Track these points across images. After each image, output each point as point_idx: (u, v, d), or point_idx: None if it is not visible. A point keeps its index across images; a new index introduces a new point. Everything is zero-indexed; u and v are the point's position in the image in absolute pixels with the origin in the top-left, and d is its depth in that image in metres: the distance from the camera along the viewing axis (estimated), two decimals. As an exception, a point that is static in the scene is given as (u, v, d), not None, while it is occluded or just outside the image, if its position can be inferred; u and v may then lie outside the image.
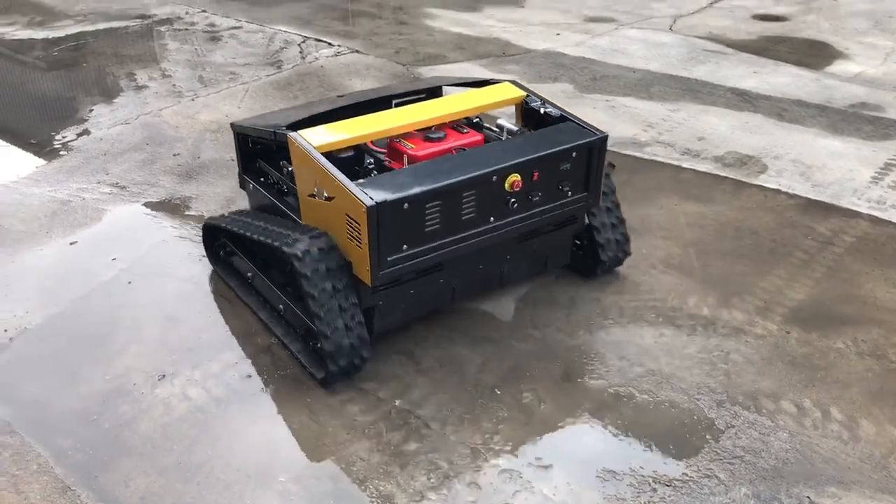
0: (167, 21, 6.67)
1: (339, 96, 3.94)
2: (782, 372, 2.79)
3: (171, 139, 4.56)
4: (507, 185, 2.75)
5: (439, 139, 2.93)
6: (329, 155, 2.78)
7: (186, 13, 6.88)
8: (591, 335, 2.98)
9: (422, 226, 2.64)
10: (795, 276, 3.32)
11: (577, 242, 3.26)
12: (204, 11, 6.92)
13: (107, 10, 6.96)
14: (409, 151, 2.87)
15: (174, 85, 5.29)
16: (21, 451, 2.47)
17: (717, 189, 4.01)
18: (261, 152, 3.38)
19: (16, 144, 4.54)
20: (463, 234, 2.74)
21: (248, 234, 2.96)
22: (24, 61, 5.81)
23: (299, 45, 6.06)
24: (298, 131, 2.86)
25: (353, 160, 2.89)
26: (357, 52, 5.91)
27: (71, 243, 3.58)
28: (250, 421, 2.58)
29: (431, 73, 5.46)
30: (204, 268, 3.38)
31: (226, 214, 3.30)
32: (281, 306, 2.99)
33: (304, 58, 5.81)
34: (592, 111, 4.86)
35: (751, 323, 3.04)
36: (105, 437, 2.52)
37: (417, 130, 2.98)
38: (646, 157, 4.33)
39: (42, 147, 4.49)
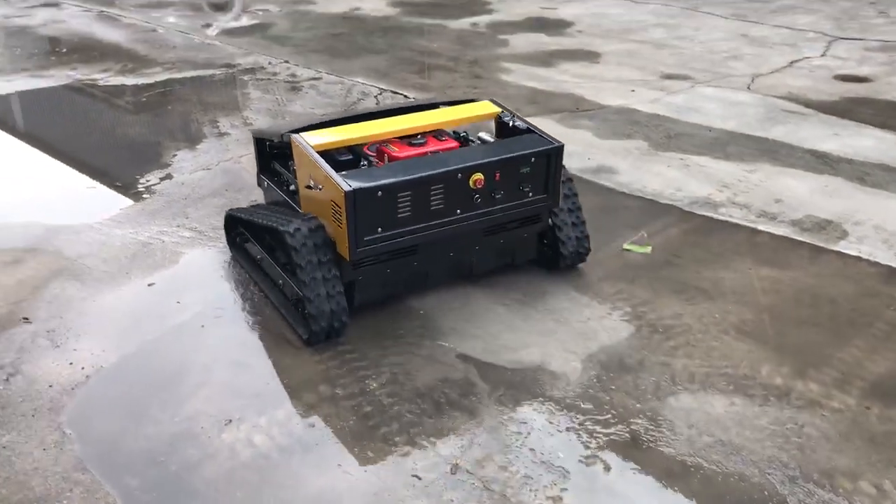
0: (250, 70, 6.91)
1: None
2: (861, 450, 2.67)
3: (249, 186, 4.68)
4: (471, 183, 3.28)
5: (420, 144, 3.48)
6: (328, 156, 3.32)
7: (269, 63, 7.12)
8: (660, 401, 2.91)
9: (394, 212, 3.19)
10: (876, 349, 3.19)
11: (545, 241, 3.74)
12: (286, 62, 7.15)
13: (194, 58, 7.26)
14: (391, 153, 3.42)
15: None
16: (91, 489, 2.53)
17: (793, 254, 3.91)
18: (275, 155, 3.97)
19: (103, 185, 4.73)
20: (432, 223, 3.28)
21: (257, 220, 3.57)
22: (115, 106, 6.09)
23: (376, 96, 6.20)
24: (300, 133, 3.43)
25: (351, 163, 3.40)
26: (432, 104, 6.01)
27: (149, 285, 3.70)
28: (312, 471, 2.60)
29: (504, 126, 5.50)
30: (274, 314, 3.45)
31: (243, 207, 3.93)
32: (280, 281, 3.52)
33: (379, 109, 5.93)
34: (666, 169, 4.82)
35: (827, 396, 2.93)
36: (171, 480, 2.56)
37: (404, 137, 3.53)
38: (720, 217, 4.26)
39: (127, 189, 4.67)
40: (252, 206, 4.00)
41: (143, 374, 3.10)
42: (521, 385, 3.00)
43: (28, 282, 3.70)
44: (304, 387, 2.99)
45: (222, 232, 4.11)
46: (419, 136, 3.52)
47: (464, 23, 8.43)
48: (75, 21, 8.66)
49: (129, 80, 6.62)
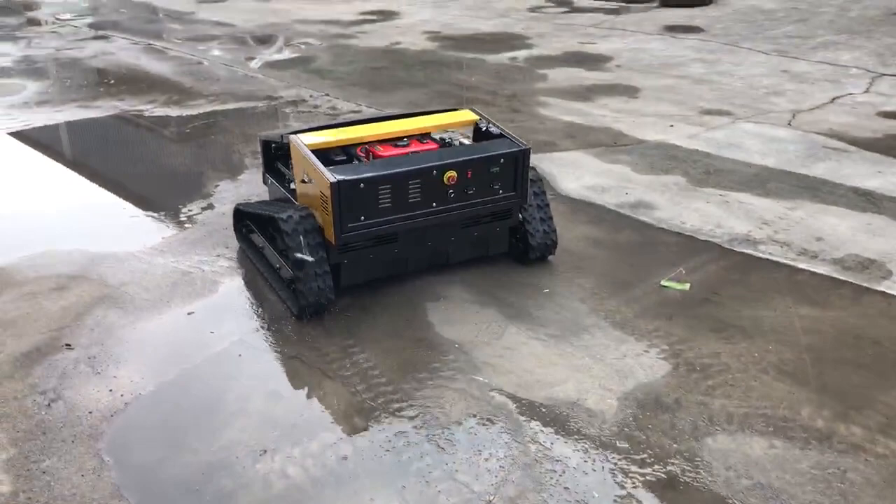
0: (292, 103, 7.03)
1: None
2: (906, 497, 2.60)
3: (287, 216, 4.74)
4: (445, 179, 3.68)
5: (403, 146, 3.90)
6: (323, 156, 3.72)
7: (311, 96, 7.24)
8: (698, 441, 2.86)
9: (376, 203, 3.60)
10: (922, 393, 3.11)
11: (517, 236, 4.11)
12: (327, 95, 7.27)
13: (237, 90, 7.41)
14: (377, 153, 3.83)
15: (294, 164, 5.53)
16: (126, 517, 2.55)
17: (835, 293, 3.84)
18: (278, 156, 4.44)
19: (147, 214, 4.83)
20: (410, 213, 3.68)
21: (258, 212, 4.07)
22: (160, 136, 6.23)
23: (414, 128, 6.25)
24: (297, 135, 3.87)
25: (343, 162, 3.79)
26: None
27: (188, 313, 3.75)
28: (345, 504, 2.59)
29: (542, 160, 5.52)
30: (310, 346, 3.47)
31: (249, 202, 4.39)
32: (277, 265, 3.94)
33: (418, 141, 5.98)
34: (706, 205, 4.78)
35: (871, 440, 2.85)
36: (205, 509, 2.57)
37: (391, 140, 3.94)
38: (760, 255, 4.21)
39: (169, 218, 4.76)
40: (257, 202, 4.43)
41: (180, 403, 3.13)
42: (555, 421, 2.97)
43: (71, 308, 3.77)
44: (339, 419, 3.00)
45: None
46: (404, 139, 3.96)
47: (502, 57, 8.50)
48: (124, 53, 8.90)
49: (174, 112, 6.77)
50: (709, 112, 6.52)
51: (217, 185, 5.20)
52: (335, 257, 3.70)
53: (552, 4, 11.59)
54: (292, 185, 4.10)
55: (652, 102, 6.82)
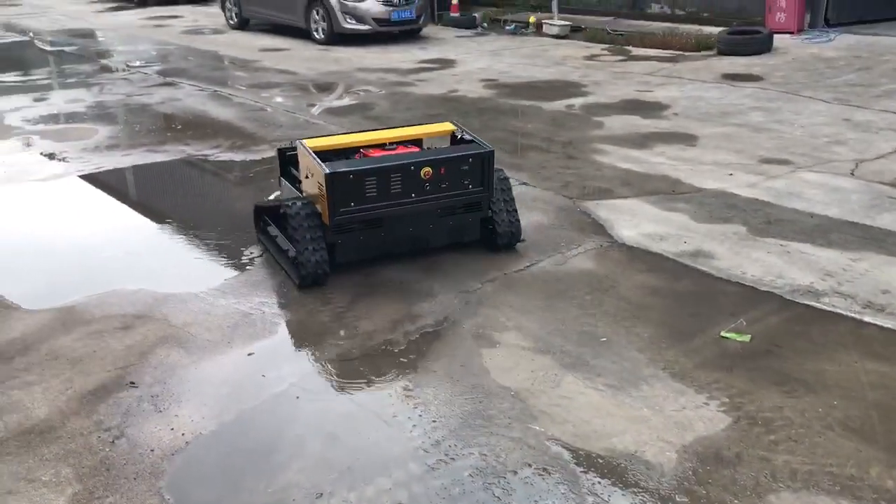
0: (351, 148, 7.16)
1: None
2: (983, 565, 2.48)
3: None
4: (422, 174, 4.40)
5: (391, 149, 4.74)
6: (325, 158, 4.44)
7: (369, 141, 7.36)
8: (760, 498, 2.79)
9: (363, 192, 4.33)
10: None
11: (489, 227, 4.76)
12: (385, 140, 7.38)
13: (299, 136, 7.58)
14: (368, 153, 4.69)
15: (353, 208, 5.62)
16: (185, 555, 2.58)
17: (903, 348, 3.73)
18: (291, 161, 5.07)
19: (209, 256, 4.95)
20: (392, 202, 4.40)
21: (271, 206, 4.92)
22: (224, 180, 6.40)
23: (471, 175, 6.31)
24: (304, 140, 4.73)
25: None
26: (525, 184, 6.08)
27: (248, 354, 3.82)
28: (400, 551, 2.59)
29: (599, 207, 5.52)
30: (367, 389, 3.50)
31: (266, 201, 5.23)
32: (286, 248, 4.64)
33: (474, 187, 6.03)
34: (766, 255, 4.71)
35: (944, 503, 2.75)
36: (262, 551, 2.59)
37: (382, 145, 4.80)
38: (823, 307, 4.12)
39: (231, 260, 4.87)
40: (272, 200, 5.24)
41: (239, 443, 3.18)
42: (613, 473, 2.93)
43: (136, 347, 3.87)
44: (395, 464, 3.01)
45: (322, 304, 4.24)
46: (392, 144, 4.81)
47: (559, 105, 8.56)
48: (191, 99, 9.21)
49: (238, 157, 6.95)
50: (768, 161, 6.45)
51: (278, 229, 5.30)
52: (331, 238, 4.43)
53: (608, 52, 11.66)
54: (299, 183, 4.83)
55: (710, 150, 6.78)
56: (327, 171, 4.24)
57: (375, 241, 4.59)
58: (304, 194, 4.69)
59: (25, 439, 3.19)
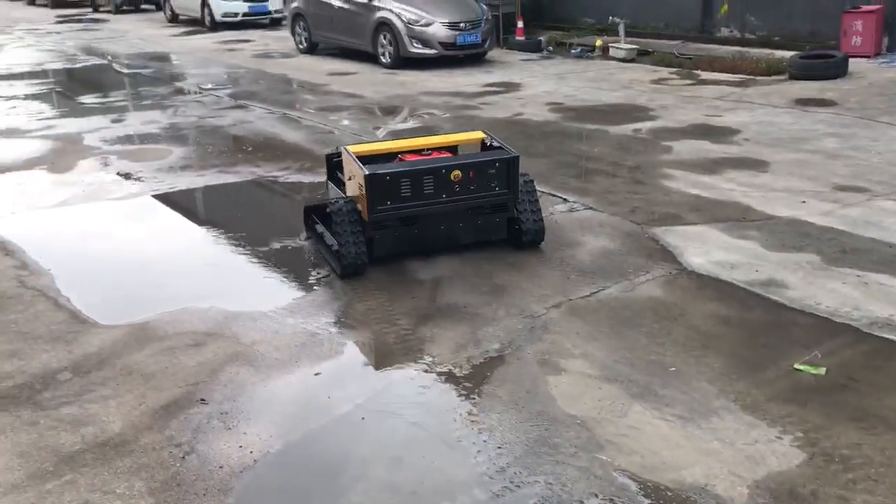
0: (417, 171, 7.22)
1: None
2: None
3: (411, 281, 4.85)
4: (451, 177, 4.85)
5: (426, 154, 5.21)
6: (367, 163, 4.90)
7: (435, 164, 7.41)
8: (837, 539, 2.69)
9: (398, 192, 4.80)
10: None
11: (516, 227, 5.16)
12: (450, 163, 7.42)
13: (366, 158, 7.68)
14: (404, 158, 5.16)
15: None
16: (252, 574, 2.61)
17: None
18: (337, 166, 5.55)
19: (278, 276, 5.04)
20: (425, 201, 4.87)
21: (318, 205, 5.52)
22: (293, 201, 6.51)
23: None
24: (349, 146, 5.25)
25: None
26: (591, 209, 6.04)
27: (315, 374, 3.86)
28: (464, 578, 2.57)
29: (667, 233, 5.44)
30: (432, 413, 3.50)
31: (314, 202, 5.80)
32: (331, 243, 5.11)
33: (540, 212, 6.02)
34: (841, 286, 4.57)
35: None
36: (327, 572, 2.60)
37: (419, 151, 5.28)
38: (903, 341, 3.97)
39: (300, 280, 4.94)
40: (319, 200, 5.77)
41: (305, 463, 3.21)
42: (682, 508, 2.87)
43: (207, 364, 3.95)
44: (460, 489, 3.00)
45: (388, 325, 4.28)
46: (427, 151, 5.27)
47: (625, 129, 8.49)
48: (261, 122, 9.42)
49: (307, 178, 7.07)
50: (844, 188, 6.28)
51: (344, 250, 5.37)
52: (370, 233, 4.88)
53: (676, 76, 11.54)
54: (343, 185, 5.31)
55: (782, 177, 6.63)
56: (367, 172, 4.70)
57: (409, 237, 5.04)
58: (347, 195, 5.13)
59: (101, 452, 3.28)
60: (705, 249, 5.18)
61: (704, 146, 7.68)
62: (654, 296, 4.56)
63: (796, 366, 3.78)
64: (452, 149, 5.41)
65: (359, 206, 4.89)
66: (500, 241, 5.23)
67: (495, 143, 5.33)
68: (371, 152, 5.23)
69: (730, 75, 11.26)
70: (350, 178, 5.09)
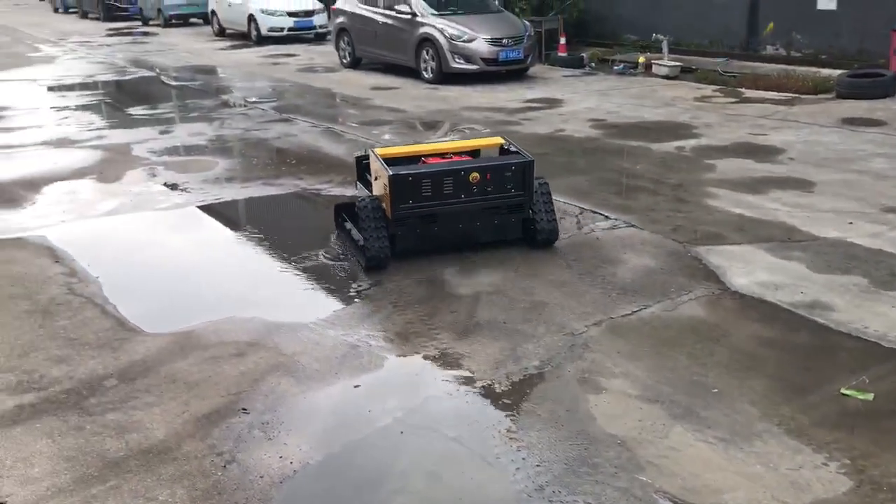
0: (458, 186, 7.24)
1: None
2: None
3: (450, 296, 4.86)
4: (470, 178, 5.19)
5: (447, 158, 5.54)
6: (390, 161, 5.30)
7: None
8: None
9: (420, 191, 5.14)
10: None
11: (532, 227, 5.46)
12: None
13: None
14: (427, 161, 5.47)
15: (458, 246, 5.67)
16: (291, 584, 2.63)
17: None
18: (365, 168, 5.91)
19: (320, 288, 5.08)
20: (445, 201, 5.22)
21: (347, 203, 5.83)
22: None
23: (576, 216, 6.29)
24: (376, 149, 5.63)
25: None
26: (633, 226, 6.00)
27: (355, 386, 3.88)
28: None
29: (710, 253, 5.39)
30: (470, 428, 3.50)
31: (343, 200, 6.16)
32: (356, 238, 5.42)
33: (580, 228, 6.00)
34: (891, 310, 4.48)
35: None
36: (365, 585, 2.61)
37: (440, 155, 5.61)
38: (955, 368, 3.88)
39: (341, 292, 4.98)
40: (348, 199, 6.10)
41: (344, 475, 3.23)
42: (724, 532, 2.82)
43: (249, 374, 4.00)
44: (498, 506, 2.99)
45: (427, 339, 4.29)
46: (449, 155, 5.60)
47: (668, 146, 8.43)
48: (305, 135, 9.53)
49: (349, 191, 7.12)
50: (893, 210, 6.16)
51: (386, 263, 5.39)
52: (392, 229, 5.21)
53: (720, 94, 11.43)
54: (372, 186, 5.63)
55: (828, 198, 6.52)
56: (391, 173, 5.05)
57: (430, 234, 5.36)
58: (373, 194, 5.43)
59: (145, 458, 3.33)
60: (749, 270, 5.11)
61: (748, 165, 7.59)
62: (696, 316, 4.52)
63: (843, 390, 3.71)
64: (474, 153, 5.69)
65: (383, 205, 5.20)
66: (520, 244, 5.54)
67: (513, 148, 5.61)
68: (397, 155, 5.58)
69: (775, 93, 11.13)
70: (376, 179, 5.43)
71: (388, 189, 5.09)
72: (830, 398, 3.67)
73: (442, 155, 5.60)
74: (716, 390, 3.74)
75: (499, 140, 5.84)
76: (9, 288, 5.09)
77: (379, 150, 5.57)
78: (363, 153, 6.02)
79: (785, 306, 4.60)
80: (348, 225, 5.75)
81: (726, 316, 4.51)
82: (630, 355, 4.08)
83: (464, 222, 5.37)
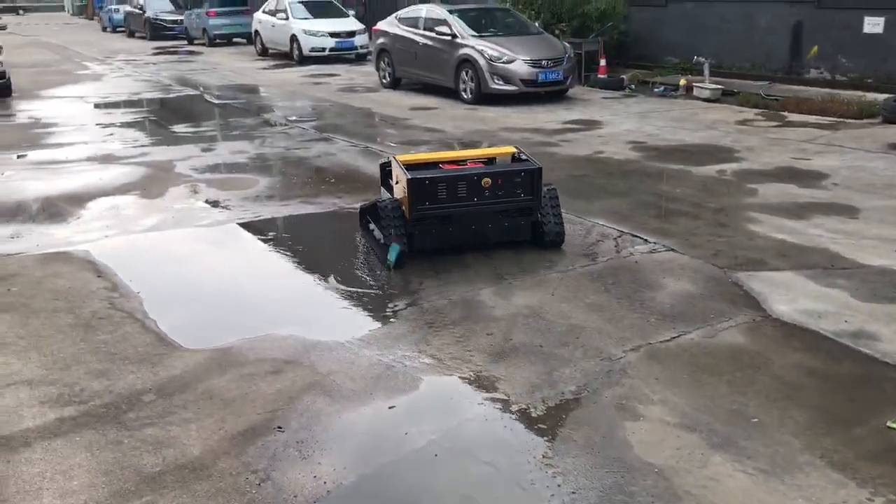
0: (496, 207, 7.23)
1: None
2: None
3: (486, 318, 4.84)
4: (482, 183, 5.63)
5: (463, 164, 6.00)
6: (410, 167, 5.80)
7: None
8: None
9: (436, 194, 5.60)
10: None
11: (540, 229, 5.90)
12: (529, 200, 7.41)
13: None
14: (444, 167, 5.92)
15: (495, 267, 5.66)
16: None
17: None
18: (389, 174, 6.36)
19: (356, 307, 5.10)
20: (459, 203, 5.65)
21: (370, 205, 6.31)
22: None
23: (615, 238, 6.24)
24: (397, 155, 6.16)
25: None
26: (672, 250, 5.94)
27: (389, 407, 3.88)
28: None
29: (751, 279, 5.31)
30: (505, 452, 3.47)
31: (367, 202, 6.57)
32: (378, 237, 5.98)
33: (618, 252, 5.95)
34: (938, 341, 4.36)
35: None
36: None
37: (456, 161, 6.07)
38: None
39: (376, 312, 4.99)
40: (372, 202, 6.36)
41: (377, 497, 3.22)
42: (764, 567, 2.75)
43: (285, 392, 4.02)
44: (532, 533, 2.95)
45: (462, 361, 4.28)
46: (465, 162, 6.06)
47: (709, 170, 8.35)
48: (344, 155, 9.61)
49: (386, 211, 7.17)
50: (941, 238, 6.02)
51: (422, 283, 5.40)
52: (410, 228, 5.66)
53: (762, 118, 11.31)
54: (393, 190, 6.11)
55: (874, 225, 6.40)
56: (409, 176, 5.53)
57: (445, 234, 5.80)
58: (394, 197, 5.94)
59: (181, 474, 3.36)
60: (791, 297, 5.02)
61: (791, 190, 7.48)
62: (736, 343, 4.44)
63: (889, 424, 3.61)
64: (489, 160, 6.13)
65: (403, 206, 5.70)
66: (559, 264, 5.71)
67: (523, 157, 6.09)
68: (417, 161, 6.04)
69: (819, 117, 10.98)
70: (397, 183, 5.92)
71: (406, 191, 5.55)
72: (876, 431, 3.57)
73: (458, 162, 6.04)
74: (756, 420, 3.67)
75: (511, 149, 6.29)
76: (53, 302, 5.19)
77: (400, 157, 6.05)
78: (386, 160, 6.50)
79: (828, 335, 4.51)
80: (371, 226, 6.25)
81: (767, 344, 4.43)
82: (668, 382, 4.02)
83: (476, 223, 5.80)
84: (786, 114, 11.45)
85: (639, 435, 3.58)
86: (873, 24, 12.44)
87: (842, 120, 10.76)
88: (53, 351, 4.51)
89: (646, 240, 6.19)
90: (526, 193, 5.74)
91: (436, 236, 5.80)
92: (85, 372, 4.26)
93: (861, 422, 3.65)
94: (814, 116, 11.07)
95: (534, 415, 3.78)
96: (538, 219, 5.86)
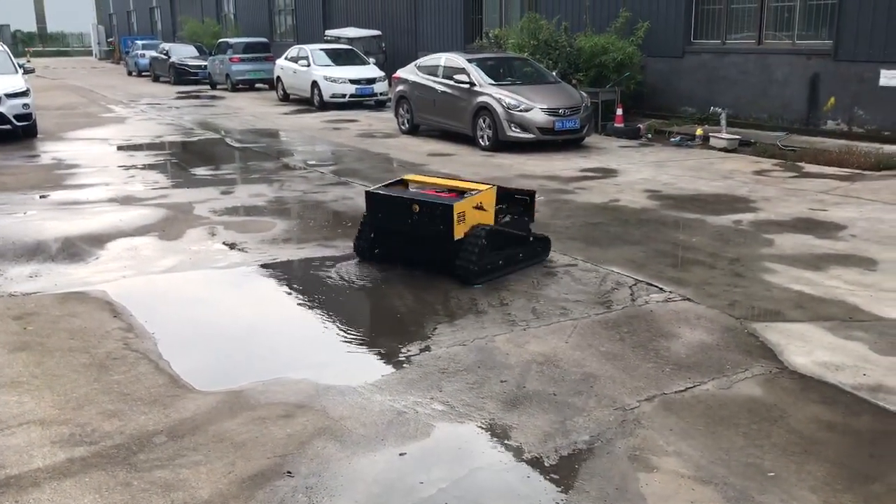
0: (511, 253, 7.24)
1: None
2: None
3: (500, 365, 4.81)
4: (413, 208, 6.45)
5: (427, 189, 6.91)
6: (407, 184, 7.12)
7: (529, 247, 7.42)
8: None
9: (386, 210, 6.70)
10: None
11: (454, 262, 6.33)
12: (545, 247, 7.42)
13: (460, 238, 7.76)
14: (412, 188, 7.02)
15: (509, 314, 5.65)
16: None
17: None
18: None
19: (368, 352, 5.09)
20: (396, 222, 6.63)
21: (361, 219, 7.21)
22: (387, 281, 6.61)
23: (630, 287, 6.22)
24: (406, 176, 7.46)
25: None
26: (688, 300, 5.91)
27: (400, 454, 3.84)
28: None
29: (767, 330, 5.26)
30: (517, 503, 3.41)
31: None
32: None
33: (633, 300, 5.93)
34: (959, 397, 4.29)
35: None
36: None
37: (433, 186, 7.01)
38: None
39: (389, 357, 4.98)
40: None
41: (386, 545, 3.17)
42: None
43: (296, 436, 3.99)
44: (542, 587, 2.89)
45: (475, 409, 4.25)
46: (445, 189, 6.85)
47: (725, 219, 8.34)
48: (361, 199, 9.59)
49: (401, 255, 7.19)
50: (961, 291, 5.95)
51: (435, 329, 5.40)
52: (372, 232, 6.80)
53: (779, 168, 11.32)
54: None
55: (893, 277, 6.34)
56: (367, 189, 6.73)
57: (392, 245, 6.79)
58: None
59: (188, 518, 3.33)
60: (808, 349, 4.97)
61: (808, 241, 7.45)
62: (752, 395, 4.39)
63: (909, 480, 3.54)
64: (463, 192, 6.64)
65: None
66: (589, 313, 5.65)
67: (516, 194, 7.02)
68: (415, 180, 7.20)
69: (836, 169, 10.97)
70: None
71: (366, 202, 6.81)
72: None
73: (439, 189, 6.86)
74: (772, 474, 3.61)
75: (490, 187, 6.77)
76: (69, 341, 5.22)
77: (407, 176, 7.32)
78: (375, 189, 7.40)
79: (846, 388, 4.45)
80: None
81: (784, 396, 4.37)
82: (683, 433, 3.97)
83: (408, 243, 6.62)
84: (802, 164, 11.45)
85: (652, 487, 3.52)
86: (889, 77, 12.48)
87: (859, 172, 10.75)
88: (67, 390, 4.52)
89: (661, 288, 6.16)
90: (444, 225, 6.26)
91: (387, 245, 6.80)
92: (97, 412, 4.26)
93: (881, 478, 3.58)
94: (831, 168, 11.07)
95: (546, 464, 3.73)
96: (450, 251, 6.29)
